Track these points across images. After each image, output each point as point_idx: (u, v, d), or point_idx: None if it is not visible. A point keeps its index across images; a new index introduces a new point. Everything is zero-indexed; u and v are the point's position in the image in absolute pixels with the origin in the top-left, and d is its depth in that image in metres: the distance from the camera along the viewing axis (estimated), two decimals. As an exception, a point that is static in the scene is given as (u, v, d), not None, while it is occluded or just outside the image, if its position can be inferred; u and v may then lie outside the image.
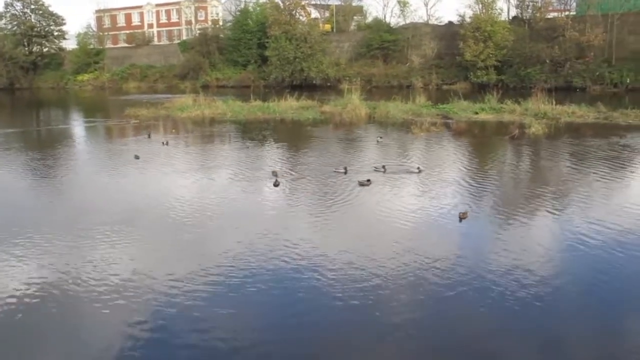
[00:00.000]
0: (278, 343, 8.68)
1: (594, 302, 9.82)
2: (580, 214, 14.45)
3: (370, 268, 11.03)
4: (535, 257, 11.49)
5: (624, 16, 52.50)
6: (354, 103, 36.97)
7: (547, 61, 52.90)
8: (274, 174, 18.98)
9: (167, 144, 26.54)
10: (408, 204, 15.58)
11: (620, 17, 52.25)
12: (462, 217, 13.94)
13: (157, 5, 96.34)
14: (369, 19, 75.88)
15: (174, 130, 32.36)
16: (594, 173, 19.26)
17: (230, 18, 79.42)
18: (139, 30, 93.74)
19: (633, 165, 21.06)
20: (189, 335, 8.79)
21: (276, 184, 17.96)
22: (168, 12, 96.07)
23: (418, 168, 19.37)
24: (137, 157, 23.27)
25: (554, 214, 14.63)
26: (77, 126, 39.08)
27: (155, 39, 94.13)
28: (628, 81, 49.67)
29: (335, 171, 19.48)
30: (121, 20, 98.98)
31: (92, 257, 11.90)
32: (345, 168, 19.50)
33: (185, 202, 16.15)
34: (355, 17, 78.96)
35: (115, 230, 13.56)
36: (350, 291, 10.11)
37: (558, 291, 10.08)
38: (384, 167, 19.62)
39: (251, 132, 31.52)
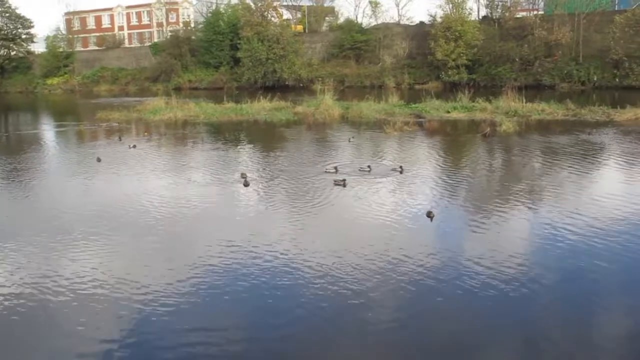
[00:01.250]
0: (258, 344, 8.68)
1: (573, 292, 10.02)
2: (554, 208, 14.74)
3: (347, 267, 11.08)
4: (513, 251, 11.67)
5: (589, 15, 53.52)
6: (327, 103, 37.04)
7: (517, 60, 53.68)
8: (243, 175, 18.89)
9: (134, 147, 26.31)
10: (384, 202, 15.66)
11: (587, 17, 53.25)
12: (430, 216, 14.00)
13: (128, 7, 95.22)
14: (341, 20, 76.07)
15: (146, 133, 32.08)
16: (564, 168, 19.66)
17: (202, 20, 78.90)
18: (110, 33, 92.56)
19: (601, 160, 21.53)
20: (164, 343, 8.74)
21: (246, 184, 18.00)
22: (139, 14, 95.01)
23: (400, 167, 19.38)
24: (99, 160, 23.24)
25: (529, 208, 14.91)
26: (47, 131, 38.41)
27: (126, 41, 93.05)
28: (595, 79, 50.66)
29: (326, 171, 19.47)
30: (91, 23, 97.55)
31: (53, 263, 11.77)
32: (336, 167, 19.53)
33: (151, 206, 15.98)
34: (327, 18, 79.09)
35: (76, 237, 13.36)
36: (329, 291, 10.16)
37: (537, 283, 10.25)
38: (369, 167, 19.68)
39: (224, 133, 31.41)
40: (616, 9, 57.99)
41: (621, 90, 47.00)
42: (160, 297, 10.05)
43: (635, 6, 53.16)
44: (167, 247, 12.69)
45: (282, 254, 11.94)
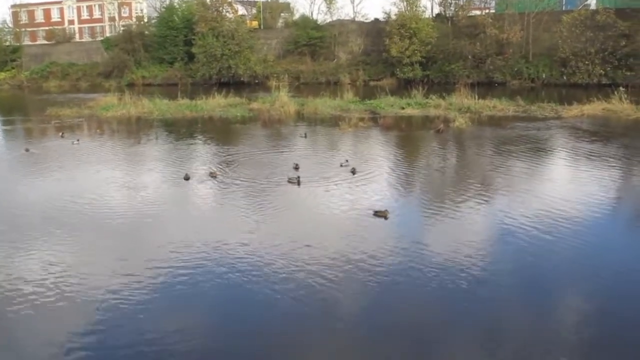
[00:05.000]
0: (224, 343, 8.72)
1: (527, 283, 10.40)
2: (507, 202, 15.21)
3: (308, 265, 11.18)
4: (469, 246, 11.99)
5: (539, 15, 54.85)
6: (282, 100, 37.03)
7: (470, 57, 54.57)
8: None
9: (78, 142, 26.34)
10: (339, 201, 15.80)
11: (536, 16, 54.55)
12: (381, 215, 14.08)
13: (78, 0, 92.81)
14: (296, 16, 75.97)
15: (98, 130, 31.44)
16: (515, 162, 20.30)
17: (155, 14, 77.61)
18: (59, 27, 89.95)
19: (550, 154, 22.27)
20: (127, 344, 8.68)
21: (186, 178, 18.36)
22: (90, 8, 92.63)
23: (352, 170, 19.05)
24: (27, 150, 23.65)
25: (483, 203, 15.28)
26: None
27: (77, 35, 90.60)
28: (544, 76, 51.99)
29: (294, 167, 19.44)
30: (39, 16, 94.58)
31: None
32: (297, 166, 19.53)
33: (89, 203, 15.86)
34: (282, 14, 78.78)
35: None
36: (290, 288, 10.25)
37: (493, 276, 10.60)
38: (347, 160, 20.02)
39: (178, 130, 31.08)
40: (563, 9, 59.58)
41: (568, 87, 48.42)
42: (126, 296, 9.97)
43: (581, 7, 54.82)
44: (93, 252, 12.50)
45: (235, 252, 11.97)
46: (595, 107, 32.42)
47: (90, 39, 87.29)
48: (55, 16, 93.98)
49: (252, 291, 10.10)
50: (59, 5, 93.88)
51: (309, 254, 11.64)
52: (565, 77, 50.65)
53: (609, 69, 48.39)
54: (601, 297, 9.78)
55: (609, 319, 9.06)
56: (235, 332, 8.89)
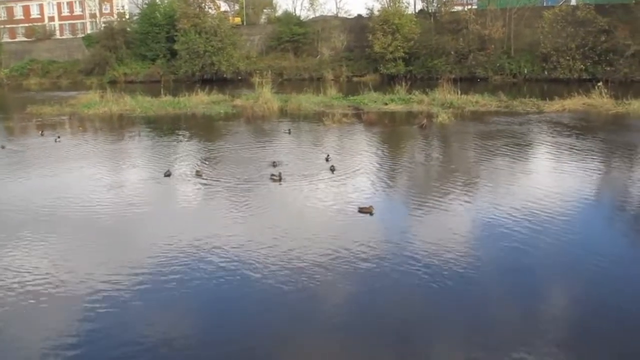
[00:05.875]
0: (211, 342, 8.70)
1: (514, 277, 10.48)
2: (491, 198, 15.30)
3: (294, 263, 11.19)
4: (455, 240, 12.09)
5: (520, 10, 55.30)
6: (266, 96, 36.89)
7: (452, 53, 54.91)
8: (167, 173, 18.85)
9: (59, 139, 26.18)
10: (324, 197, 15.80)
11: (517, 12, 55.01)
12: (366, 211, 14.09)
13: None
14: (279, 12, 75.90)
15: (80, 128, 31.16)
16: (498, 157, 20.44)
17: (137, 11, 76.94)
18: (39, 24, 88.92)
19: (532, 148, 22.44)
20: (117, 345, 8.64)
21: (167, 174, 18.38)
22: (70, 5, 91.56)
23: (332, 167, 18.90)
24: (2, 147, 23.64)
25: (467, 197, 15.40)
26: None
27: (58, 32, 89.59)
28: (525, 71, 52.41)
29: (272, 165, 19.38)
30: (19, 13, 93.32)
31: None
32: (275, 164, 19.47)
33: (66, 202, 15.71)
34: (265, 10, 78.72)
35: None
36: (277, 286, 10.26)
37: (480, 270, 10.67)
38: (328, 155, 20.22)
39: (160, 127, 30.90)
40: (544, 5, 60.14)
41: (549, 82, 48.90)
42: (113, 294, 9.92)
43: (562, 3, 55.34)
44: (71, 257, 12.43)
45: (211, 250, 11.95)
46: (576, 102, 32.77)
47: (71, 36, 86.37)
48: (34, 12, 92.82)
49: (238, 291, 10.10)
50: (38, 2, 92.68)
51: (293, 252, 11.63)
52: (546, 72, 51.17)
53: (589, 64, 48.96)
54: (588, 288, 9.91)
55: (597, 311, 9.17)
56: (224, 332, 8.87)
